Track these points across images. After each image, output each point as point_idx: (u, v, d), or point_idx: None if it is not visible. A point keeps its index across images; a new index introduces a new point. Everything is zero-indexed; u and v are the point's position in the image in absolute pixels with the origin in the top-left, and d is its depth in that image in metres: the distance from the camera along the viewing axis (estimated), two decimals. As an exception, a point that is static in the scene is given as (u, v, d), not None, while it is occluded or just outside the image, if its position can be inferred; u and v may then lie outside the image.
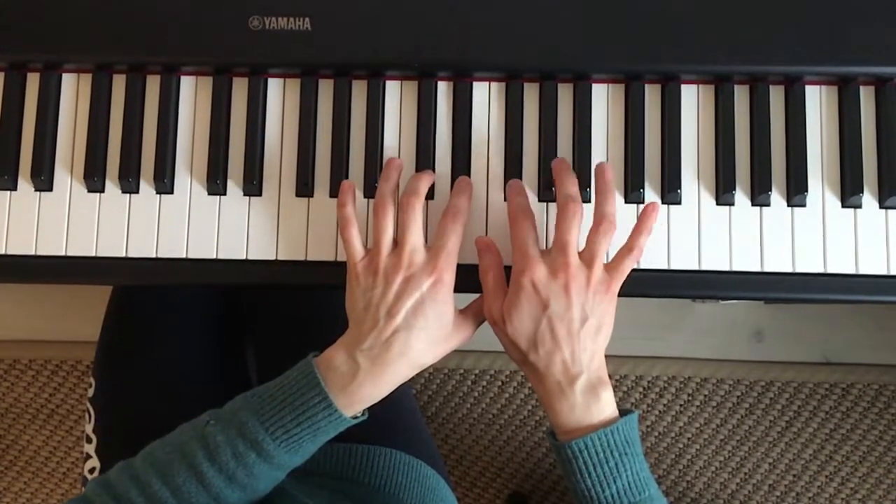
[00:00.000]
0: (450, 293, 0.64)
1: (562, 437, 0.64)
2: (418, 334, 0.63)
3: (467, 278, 0.67)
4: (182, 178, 0.71)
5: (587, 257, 0.63)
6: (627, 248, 0.65)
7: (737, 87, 0.71)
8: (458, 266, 0.65)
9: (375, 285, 0.63)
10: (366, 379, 0.62)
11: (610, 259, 0.65)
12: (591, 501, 0.63)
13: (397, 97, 0.72)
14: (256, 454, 0.60)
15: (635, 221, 0.66)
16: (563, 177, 0.67)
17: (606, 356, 0.65)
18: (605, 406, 0.63)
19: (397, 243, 0.65)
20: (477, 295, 0.68)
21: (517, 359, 0.65)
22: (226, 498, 0.61)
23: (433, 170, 0.71)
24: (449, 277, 0.64)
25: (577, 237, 0.63)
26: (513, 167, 0.70)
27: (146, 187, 0.71)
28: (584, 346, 0.62)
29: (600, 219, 0.64)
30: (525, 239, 0.64)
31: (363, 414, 0.64)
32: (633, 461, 0.63)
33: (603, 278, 0.63)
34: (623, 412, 0.64)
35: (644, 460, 0.64)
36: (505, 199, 0.70)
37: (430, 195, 0.71)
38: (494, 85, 0.72)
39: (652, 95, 0.71)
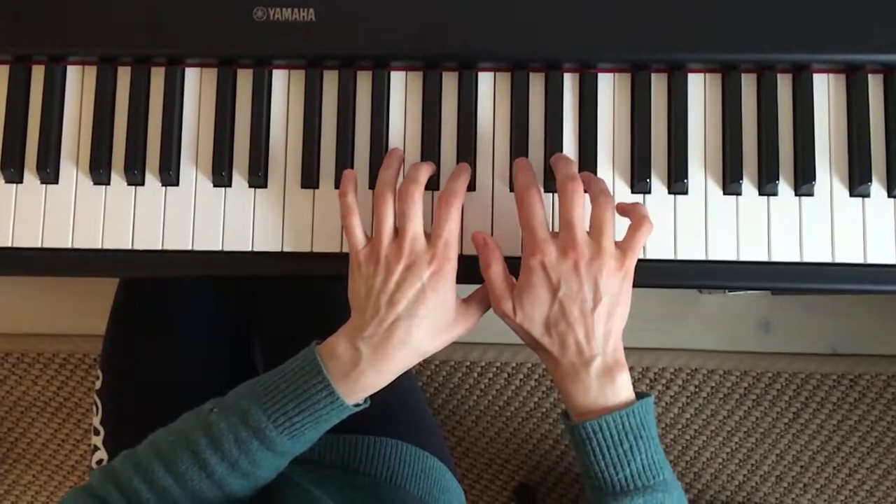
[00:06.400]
0: (451, 282, 0.64)
1: (576, 418, 0.63)
2: (420, 323, 0.63)
3: (470, 269, 0.66)
4: (187, 170, 0.71)
5: (594, 232, 0.63)
6: (636, 224, 0.64)
7: (744, 76, 0.70)
8: (461, 257, 0.65)
9: (377, 274, 0.63)
10: (367, 367, 0.62)
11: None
12: (604, 484, 0.62)
13: (402, 88, 0.72)
14: (259, 441, 0.61)
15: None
16: (560, 161, 0.67)
17: (614, 347, 0.64)
18: (621, 389, 0.62)
19: (398, 232, 0.65)
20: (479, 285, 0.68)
21: (531, 344, 0.65)
22: (229, 485, 0.61)
23: (438, 160, 0.71)
24: (450, 266, 0.64)
25: (582, 215, 0.63)
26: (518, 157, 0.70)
27: (151, 179, 0.71)
28: (597, 326, 0.62)
29: (596, 195, 0.64)
30: (533, 221, 0.63)
31: (365, 402, 0.64)
32: (647, 444, 0.62)
33: (615, 254, 0.62)
34: (640, 395, 0.64)
35: (659, 444, 0.63)
36: (511, 189, 0.70)
37: (436, 186, 0.70)
38: (500, 75, 0.72)
39: (658, 85, 0.71)
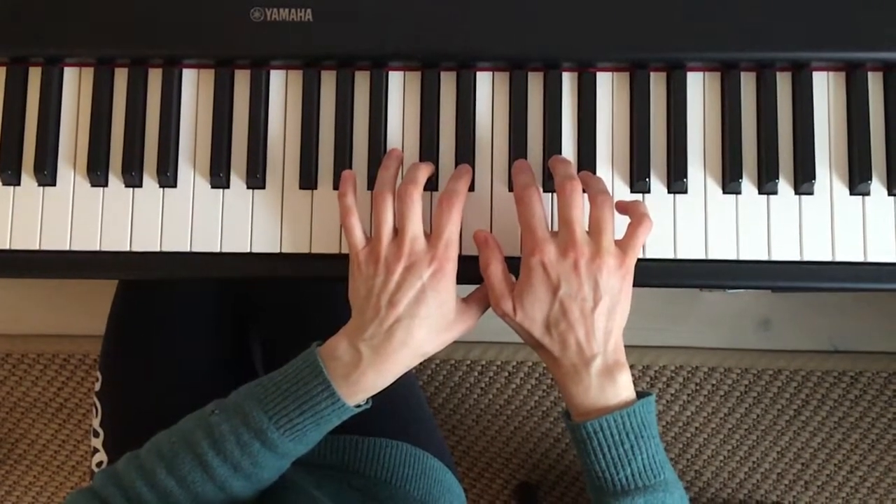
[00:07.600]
0: (451, 282, 0.64)
1: (577, 417, 0.63)
2: (420, 323, 0.63)
3: (469, 270, 0.66)
4: (185, 171, 0.71)
5: (594, 231, 0.62)
6: (636, 222, 0.64)
7: (743, 74, 0.70)
8: (461, 257, 0.65)
9: (377, 274, 0.63)
10: (368, 368, 0.62)
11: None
12: (605, 483, 0.62)
13: (400, 88, 0.72)
14: (261, 443, 0.61)
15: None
16: (558, 163, 0.67)
17: (614, 345, 0.64)
18: (622, 389, 0.62)
19: (398, 232, 0.65)
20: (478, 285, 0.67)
21: (531, 343, 0.65)
22: (231, 487, 0.61)
23: (437, 161, 0.70)
24: (450, 266, 0.64)
25: (581, 214, 0.63)
26: (517, 158, 0.70)
27: (149, 181, 0.71)
28: (597, 325, 0.62)
29: (595, 194, 0.63)
30: (532, 220, 0.63)
31: (366, 402, 0.64)
32: (648, 444, 0.62)
33: (615, 253, 0.62)
34: (640, 395, 0.64)
35: (660, 444, 0.63)
36: (510, 190, 0.70)
37: (434, 186, 0.70)
38: (498, 75, 0.71)
39: (657, 84, 0.71)
